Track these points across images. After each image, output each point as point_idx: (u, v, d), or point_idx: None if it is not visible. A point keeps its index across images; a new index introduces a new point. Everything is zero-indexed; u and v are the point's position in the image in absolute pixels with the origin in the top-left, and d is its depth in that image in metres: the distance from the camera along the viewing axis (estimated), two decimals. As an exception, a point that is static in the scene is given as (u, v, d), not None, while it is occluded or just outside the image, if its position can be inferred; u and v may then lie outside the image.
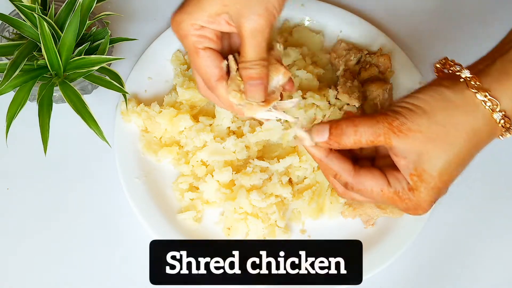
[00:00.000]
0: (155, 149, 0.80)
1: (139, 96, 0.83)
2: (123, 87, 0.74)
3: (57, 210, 0.77)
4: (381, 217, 0.79)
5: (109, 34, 0.74)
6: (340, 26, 0.91)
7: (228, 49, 0.64)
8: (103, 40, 0.74)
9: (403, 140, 0.53)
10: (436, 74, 0.58)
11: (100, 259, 0.75)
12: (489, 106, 0.53)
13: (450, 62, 0.57)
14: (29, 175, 0.78)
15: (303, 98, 0.82)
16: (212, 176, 0.77)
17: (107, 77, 0.74)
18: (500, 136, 0.56)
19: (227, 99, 0.61)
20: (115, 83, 0.73)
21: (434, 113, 0.53)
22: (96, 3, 0.74)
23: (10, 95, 0.71)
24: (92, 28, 0.76)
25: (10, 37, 0.77)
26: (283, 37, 0.90)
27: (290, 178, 0.80)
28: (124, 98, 0.77)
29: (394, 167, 0.56)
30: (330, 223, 0.79)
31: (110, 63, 0.75)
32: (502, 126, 0.54)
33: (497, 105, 0.53)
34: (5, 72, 0.68)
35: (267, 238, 0.76)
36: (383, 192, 0.56)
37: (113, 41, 0.76)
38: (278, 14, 0.60)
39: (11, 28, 0.77)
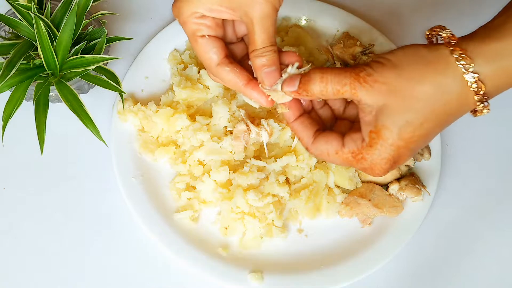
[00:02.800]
0: (152, 149, 0.80)
1: (135, 96, 0.83)
2: (119, 86, 0.74)
3: (53, 210, 0.77)
4: (378, 216, 0.79)
5: (106, 33, 0.74)
6: (337, 26, 0.91)
7: (233, 34, 0.64)
8: (99, 40, 0.74)
9: (368, 91, 0.53)
10: (427, 41, 0.57)
11: (97, 258, 0.75)
12: (462, 65, 0.51)
13: (439, 27, 0.55)
14: (26, 174, 0.78)
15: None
16: (209, 175, 0.77)
17: (104, 77, 0.74)
18: (475, 112, 0.54)
19: (234, 82, 0.61)
20: (111, 82, 0.73)
21: (402, 66, 0.52)
22: (92, 3, 0.73)
23: (6, 94, 0.71)
24: (89, 28, 0.76)
25: (6, 36, 0.77)
26: (280, 37, 0.90)
27: (287, 178, 0.80)
28: (121, 98, 0.77)
29: (357, 129, 0.56)
30: (327, 222, 0.79)
31: (107, 63, 0.75)
32: (474, 91, 0.52)
33: (470, 65, 0.51)
34: (1, 71, 0.67)
35: (264, 237, 0.77)
36: (338, 154, 0.56)
37: (109, 41, 0.75)
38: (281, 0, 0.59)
39: (7, 28, 0.77)
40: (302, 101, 0.61)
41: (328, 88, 0.55)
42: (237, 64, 0.62)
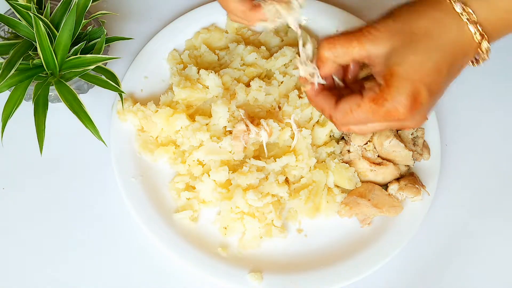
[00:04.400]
0: (151, 149, 0.80)
1: (135, 96, 0.83)
2: (119, 86, 0.74)
3: (53, 210, 0.77)
4: (377, 216, 0.79)
5: (105, 33, 0.74)
6: (336, 26, 0.91)
7: None
8: (99, 39, 0.74)
9: (373, 42, 0.56)
10: None
11: (97, 258, 0.75)
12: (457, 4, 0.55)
13: None
14: (25, 175, 0.78)
15: (300, 97, 0.82)
16: (209, 175, 0.77)
17: (103, 77, 0.74)
18: (476, 61, 0.58)
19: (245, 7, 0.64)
20: (111, 82, 0.73)
21: (400, 12, 0.57)
22: (91, 2, 0.73)
23: (6, 94, 0.71)
24: (88, 27, 0.75)
25: (6, 36, 0.77)
26: (280, 37, 0.90)
27: (286, 178, 0.80)
28: (120, 98, 0.77)
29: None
30: (326, 222, 0.79)
31: (106, 62, 0.75)
32: (467, 20, 0.56)
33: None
34: (0, 71, 0.67)
35: (264, 237, 0.77)
36: (361, 107, 0.58)
37: (109, 40, 0.75)
38: None
39: (6, 27, 0.77)
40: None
41: (338, 50, 0.58)
42: None
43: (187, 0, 0.91)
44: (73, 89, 0.71)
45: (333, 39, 0.59)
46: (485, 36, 0.56)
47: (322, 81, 0.62)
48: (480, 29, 0.56)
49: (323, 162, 0.81)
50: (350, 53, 0.58)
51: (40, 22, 0.69)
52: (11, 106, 0.69)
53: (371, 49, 0.57)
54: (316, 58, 0.61)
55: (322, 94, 0.63)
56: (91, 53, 0.73)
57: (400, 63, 0.55)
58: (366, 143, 0.81)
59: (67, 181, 0.78)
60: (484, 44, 0.57)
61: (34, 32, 0.69)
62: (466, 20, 0.56)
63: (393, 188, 0.79)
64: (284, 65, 0.86)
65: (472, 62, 0.60)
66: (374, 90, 0.57)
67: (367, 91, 0.58)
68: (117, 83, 0.74)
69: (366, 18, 0.93)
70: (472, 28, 0.56)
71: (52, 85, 0.71)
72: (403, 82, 0.55)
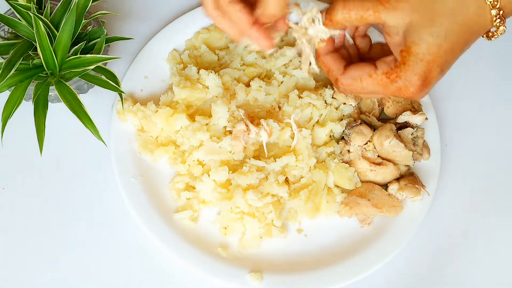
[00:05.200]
0: (151, 149, 0.80)
1: (135, 96, 0.83)
2: (119, 86, 0.74)
3: (53, 210, 0.77)
4: (377, 216, 0.79)
5: (105, 33, 0.74)
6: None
7: None
8: (98, 39, 0.74)
9: (391, 12, 0.56)
10: None
11: (96, 258, 0.75)
12: None
13: None
14: (25, 175, 0.78)
15: (300, 97, 0.82)
16: (209, 175, 0.77)
17: (103, 77, 0.74)
18: (491, 36, 0.58)
19: (241, 21, 0.60)
20: (111, 82, 0.73)
21: None
22: (91, 2, 0.73)
23: (6, 94, 0.71)
24: (88, 27, 0.75)
25: (6, 36, 0.77)
26: (280, 37, 0.90)
27: (286, 178, 0.80)
28: (120, 98, 0.77)
29: (388, 54, 0.59)
30: (326, 222, 0.79)
31: (106, 62, 0.75)
32: (490, 4, 0.55)
33: None
34: (0, 71, 0.67)
35: (264, 237, 0.77)
36: (372, 78, 0.58)
37: (109, 40, 0.75)
38: None
39: (6, 27, 0.77)
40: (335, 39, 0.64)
41: (351, 15, 0.57)
42: (246, 5, 0.61)
43: (187, 0, 0.91)
44: (73, 89, 0.71)
45: (347, 2, 0.58)
46: (504, 20, 0.57)
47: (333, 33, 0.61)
48: (501, 13, 0.56)
49: (323, 162, 0.81)
50: (364, 20, 0.57)
51: (40, 22, 0.69)
52: (11, 106, 0.69)
53: (388, 19, 0.56)
54: (327, 17, 0.60)
55: (332, 55, 0.62)
56: (91, 53, 0.73)
57: (418, 43, 0.55)
58: (366, 143, 0.81)
59: (67, 181, 0.78)
60: (501, 28, 0.58)
61: (34, 32, 0.69)
62: (489, 4, 0.56)
63: (393, 188, 0.79)
64: (284, 65, 0.86)
65: (487, 35, 0.60)
66: (389, 65, 0.57)
67: (381, 63, 0.58)
68: (117, 83, 0.74)
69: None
70: (494, 12, 0.56)
71: (52, 85, 0.71)
72: (419, 62, 0.56)
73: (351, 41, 0.65)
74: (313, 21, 0.61)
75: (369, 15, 0.57)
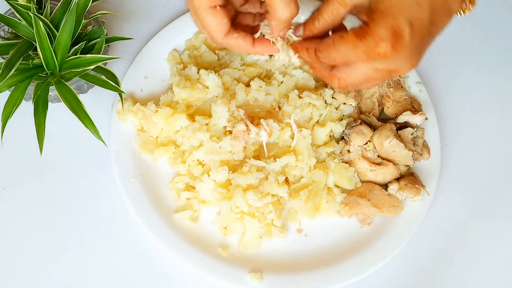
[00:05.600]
0: (151, 149, 0.80)
1: (135, 96, 0.83)
2: (119, 86, 0.74)
3: (53, 210, 0.77)
4: (377, 216, 0.79)
5: (105, 33, 0.74)
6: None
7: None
8: (98, 39, 0.74)
9: None
10: None
11: (96, 258, 0.75)
12: None
13: None
14: (25, 175, 0.78)
15: (300, 97, 0.82)
16: (209, 175, 0.77)
17: (103, 77, 0.74)
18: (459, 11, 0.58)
19: (243, 46, 0.64)
20: (111, 82, 0.73)
21: None
22: (91, 2, 0.73)
23: (6, 94, 0.71)
24: (88, 27, 0.75)
25: (6, 36, 0.77)
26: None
27: (286, 178, 0.80)
28: (120, 98, 0.77)
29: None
30: (326, 222, 0.79)
31: (106, 62, 0.75)
32: None
33: None
34: (0, 71, 0.67)
35: (264, 237, 0.77)
36: (343, 38, 0.58)
37: (109, 40, 0.75)
38: None
39: (6, 27, 0.77)
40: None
41: (325, 18, 0.59)
42: (239, 27, 0.64)
43: (187, 0, 0.91)
44: (73, 89, 0.71)
45: (319, 11, 0.59)
46: None
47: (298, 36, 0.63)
48: None
49: (323, 162, 0.81)
50: (337, 14, 0.59)
51: (40, 22, 0.69)
52: (11, 106, 0.69)
53: (353, 1, 0.57)
54: (306, 31, 0.62)
55: (309, 39, 0.63)
56: (91, 53, 0.73)
57: (382, 0, 0.55)
58: (366, 143, 0.81)
59: (67, 181, 0.78)
60: None
61: (34, 32, 0.69)
62: None
63: (393, 188, 0.79)
64: (284, 65, 0.86)
65: (459, 12, 0.60)
66: (358, 26, 0.58)
67: (353, 28, 0.59)
68: (117, 83, 0.74)
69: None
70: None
71: (52, 85, 0.71)
72: (384, 16, 0.55)
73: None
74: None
75: (338, 8, 0.58)
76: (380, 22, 0.56)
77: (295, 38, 0.63)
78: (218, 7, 0.61)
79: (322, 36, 0.62)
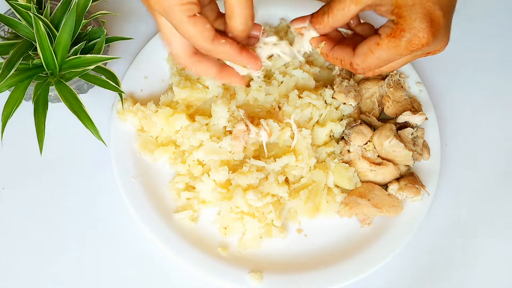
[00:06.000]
0: (151, 149, 0.79)
1: (135, 96, 0.83)
2: (119, 86, 0.74)
3: (52, 210, 0.77)
4: (377, 216, 0.79)
5: (105, 33, 0.74)
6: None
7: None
8: (98, 39, 0.74)
9: None
10: None
11: (96, 258, 0.75)
12: None
13: None
14: (25, 175, 0.78)
15: (300, 97, 0.82)
16: (209, 175, 0.77)
17: (103, 76, 0.74)
18: None
19: (229, 52, 0.61)
20: (111, 82, 0.73)
21: None
22: (91, 2, 0.73)
23: (6, 94, 0.71)
24: (88, 27, 0.75)
25: (6, 36, 0.77)
26: (279, 37, 0.90)
27: (286, 178, 0.80)
28: (120, 98, 0.77)
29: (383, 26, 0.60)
30: (326, 222, 0.79)
31: (106, 62, 0.75)
32: None
33: None
34: (0, 71, 0.67)
35: (264, 237, 0.77)
36: (380, 45, 0.58)
37: (109, 40, 0.75)
38: None
39: (6, 27, 0.77)
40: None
41: (336, 16, 0.59)
42: (225, 34, 0.62)
43: (187, 0, 0.91)
44: (73, 89, 0.71)
45: (329, 7, 0.59)
46: None
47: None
48: None
49: (323, 162, 0.81)
50: (350, 12, 0.58)
51: (40, 22, 0.69)
52: (11, 106, 0.69)
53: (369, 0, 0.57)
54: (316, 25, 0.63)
55: (338, 46, 0.63)
56: (91, 53, 0.73)
57: None
58: (366, 143, 0.81)
59: (67, 181, 0.78)
60: None
61: (34, 32, 0.69)
62: None
63: (393, 188, 0.79)
64: (284, 65, 0.86)
65: None
66: (389, 27, 0.58)
67: (382, 29, 0.58)
68: (117, 83, 0.74)
69: (366, 18, 0.93)
70: None
71: (52, 85, 0.71)
72: (413, 8, 0.55)
73: (349, 31, 0.66)
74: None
75: (349, 6, 0.58)
76: (412, 14, 0.56)
77: (314, 35, 0.64)
78: (197, 15, 0.59)
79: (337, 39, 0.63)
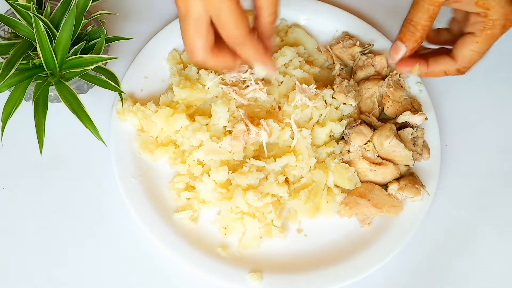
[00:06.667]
0: (151, 149, 0.80)
1: (135, 96, 0.83)
2: (119, 86, 0.74)
3: (52, 210, 0.77)
4: (377, 216, 0.79)
5: (105, 33, 0.74)
6: (336, 25, 0.91)
7: None
8: (98, 39, 0.74)
9: None
10: None
11: (96, 258, 0.75)
12: None
13: None
14: (25, 175, 0.78)
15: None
16: (209, 175, 0.77)
17: (103, 76, 0.74)
18: None
19: (263, 49, 0.63)
20: (111, 82, 0.73)
21: None
22: (91, 2, 0.73)
23: (6, 94, 0.71)
24: (88, 27, 0.75)
25: (6, 36, 0.77)
26: (279, 37, 0.90)
27: (286, 178, 0.80)
28: (120, 98, 0.77)
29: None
30: (326, 222, 0.79)
31: (106, 62, 0.75)
32: None
33: None
34: (0, 71, 0.67)
35: (264, 237, 0.77)
36: (479, 42, 0.61)
37: (108, 40, 0.75)
38: None
39: (6, 27, 0.77)
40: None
41: (424, 13, 0.62)
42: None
43: (187, 0, 0.91)
44: (73, 89, 0.71)
45: (414, 11, 0.62)
46: None
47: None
48: None
49: (323, 162, 0.81)
50: (433, 15, 0.61)
51: (40, 22, 0.69)
52: (11, 106, 0.69)
53: None
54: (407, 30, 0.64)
55: (431, 61, 0.66)
56: (91, 53, 0.73)
57: None
58: (366, 143, 0.81)
59: (67, 181, 0.78)
60: None
61: (34, 32, 0.69)
62: None
63: (393, 188, 0.79)
64: (284, 65, 0.86)
65: None
66: (476, 21, 0.61)
67: (471, 26, 0.61)
68: (117, 83, 0.74)
69: (366, 18, 0.93)
70: None
71: (52, 85, 0.71)
72: None
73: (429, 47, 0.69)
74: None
75: (428, 8, 0.60)
76: (498, 2, 0.58)
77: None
78: (241, 4, 0.60)
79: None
